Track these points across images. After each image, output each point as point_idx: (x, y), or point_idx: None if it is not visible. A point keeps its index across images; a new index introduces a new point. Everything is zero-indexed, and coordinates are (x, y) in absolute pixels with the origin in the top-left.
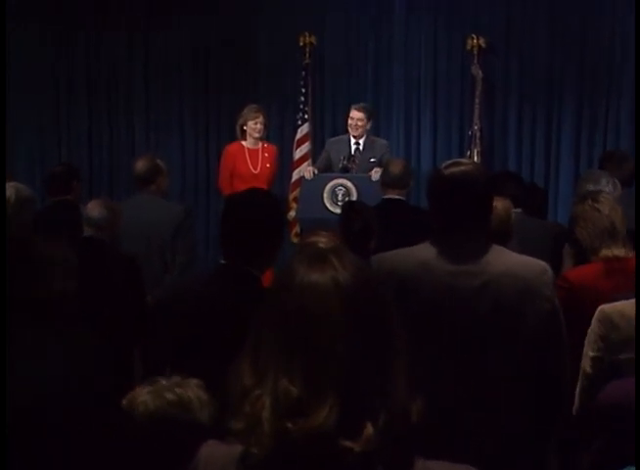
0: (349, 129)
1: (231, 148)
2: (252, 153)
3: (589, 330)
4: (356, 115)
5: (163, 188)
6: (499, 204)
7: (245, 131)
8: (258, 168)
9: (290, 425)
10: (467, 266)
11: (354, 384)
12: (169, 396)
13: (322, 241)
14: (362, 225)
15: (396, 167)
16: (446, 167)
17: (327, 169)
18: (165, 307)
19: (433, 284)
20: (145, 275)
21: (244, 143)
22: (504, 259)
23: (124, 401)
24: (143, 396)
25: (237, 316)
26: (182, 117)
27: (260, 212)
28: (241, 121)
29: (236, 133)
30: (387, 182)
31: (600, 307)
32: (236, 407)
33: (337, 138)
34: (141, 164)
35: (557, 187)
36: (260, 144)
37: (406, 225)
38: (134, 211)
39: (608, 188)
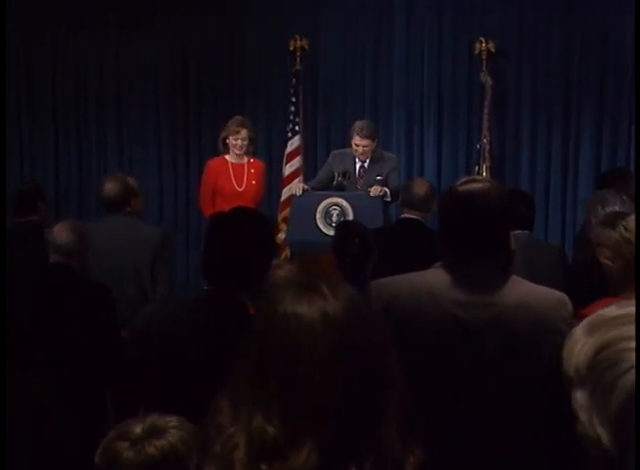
0: (354, 154)
1: (213, 163)
2: (237, 168)
3: None
4: (361, 141)
5: (138, 210)
6: None
7: (227, 145)
8: (243, 186)
9: (264, 467)
10: (478, 297)
11: (338, 426)
12: (150, 450)
13: (287, 270)
14: (359, 247)
15: (421, 188)
16: (461, 185)
17: (328, 183)
18: (144, 340)
19: (438, 315)
20: (118, 306)
21: (227, 157)
22: (519, 290)
23: (99, 456)
24: (125, 451)
25: (224, 347)
26: (159, 129)
27: (250, 233)
28: (224, 134)
29: (219, 147)
30: (408, 202)
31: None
32: (208, 447)
33: (342, 151)
34: (110, 187)
35: (574, 207)
36: (246, 159)
37: (423, 249)
38: (105, 234)
39: (617, 207)
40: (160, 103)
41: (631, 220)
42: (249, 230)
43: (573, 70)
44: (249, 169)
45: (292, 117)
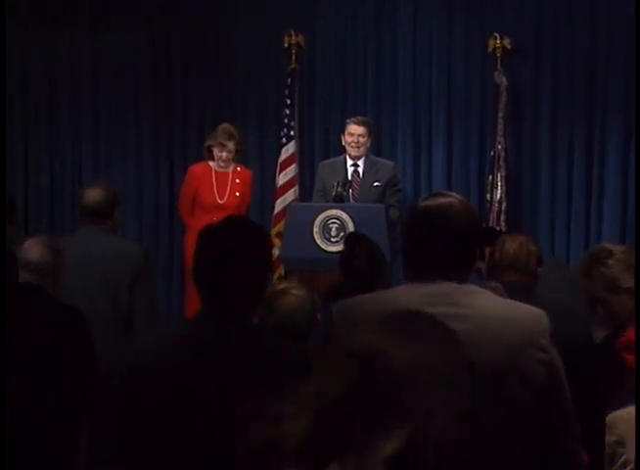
0: (348, 148)
1: (196, 169)
2: (220, 178)
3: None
4: (357, 129)
5: (117, 224)
6: (511, 238)
7: (212, 152)
8: (225, 198)
9: None
10: (450, 309)
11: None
12: None
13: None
14: (366, 263)
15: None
16: (423, 200)
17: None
18: (127, 376)
19: None
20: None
21: (211, 164)
22: (494, 303)
23: None
24: None
25: (246, 383)
26: (140, 134)
27: (250, 244)
28: (209, 142)
29: (203, 153)
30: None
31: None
32: None
33: (330, 161)
34: (95, 194)
35: (600, 220)
36: (232, 167)
37: None
38: (79, 249)
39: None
40: (141, 106)
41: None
42: (249, 240)
43: (598, 69)
44: (233, 179)
45: (286, 121)
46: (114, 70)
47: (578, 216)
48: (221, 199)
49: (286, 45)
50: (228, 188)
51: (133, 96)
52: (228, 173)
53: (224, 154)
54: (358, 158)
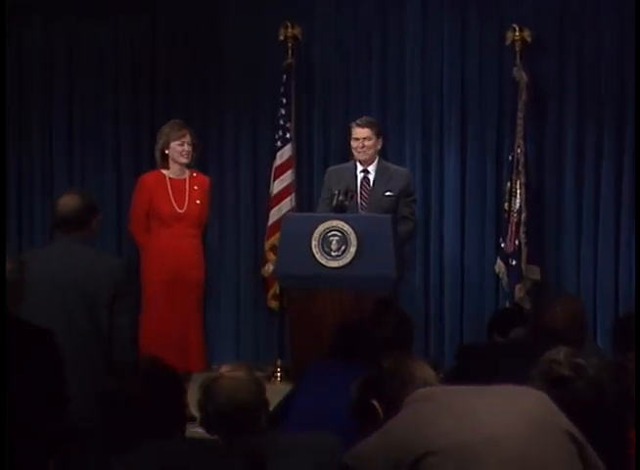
0: (354, 153)
1: (148, 178)
2: (177, 185)
3: None
4: (361, 132)
5: (95, 234)
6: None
7: (166, 156)
8: (185, 207)
9: None
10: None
11: None
12: None
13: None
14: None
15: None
16: None
17: None
18: None
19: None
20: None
21: (165, 172)
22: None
23: None
24: None
25: None
26: (119, 142)
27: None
28: (161, 143)
29: (155, 160)
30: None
31: None
32: None
33: (338, 167)
34: (68, 201)
35: (630, 231)
36: (188, 173)
37: None
38: (51, 265)
39: None
40: (120, 106)
41: None
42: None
43: (628, 63)
44: (191, 186)
45: (282, 123)
46: (90, 65)
47: (607, 227)
48: (180, 208)
49: (281, 38)
50: (187, 196)
51: (112, 94)
52: (184, 180)
53: (186, 147)
54: (368, 163)
